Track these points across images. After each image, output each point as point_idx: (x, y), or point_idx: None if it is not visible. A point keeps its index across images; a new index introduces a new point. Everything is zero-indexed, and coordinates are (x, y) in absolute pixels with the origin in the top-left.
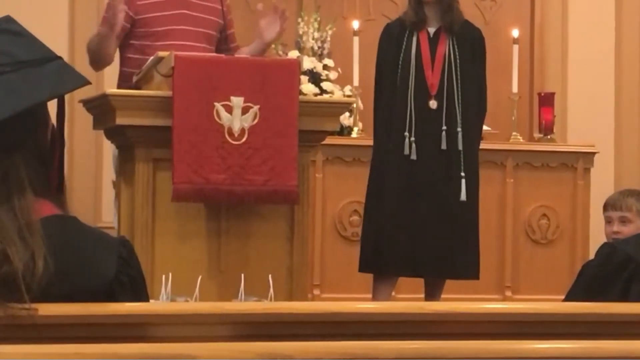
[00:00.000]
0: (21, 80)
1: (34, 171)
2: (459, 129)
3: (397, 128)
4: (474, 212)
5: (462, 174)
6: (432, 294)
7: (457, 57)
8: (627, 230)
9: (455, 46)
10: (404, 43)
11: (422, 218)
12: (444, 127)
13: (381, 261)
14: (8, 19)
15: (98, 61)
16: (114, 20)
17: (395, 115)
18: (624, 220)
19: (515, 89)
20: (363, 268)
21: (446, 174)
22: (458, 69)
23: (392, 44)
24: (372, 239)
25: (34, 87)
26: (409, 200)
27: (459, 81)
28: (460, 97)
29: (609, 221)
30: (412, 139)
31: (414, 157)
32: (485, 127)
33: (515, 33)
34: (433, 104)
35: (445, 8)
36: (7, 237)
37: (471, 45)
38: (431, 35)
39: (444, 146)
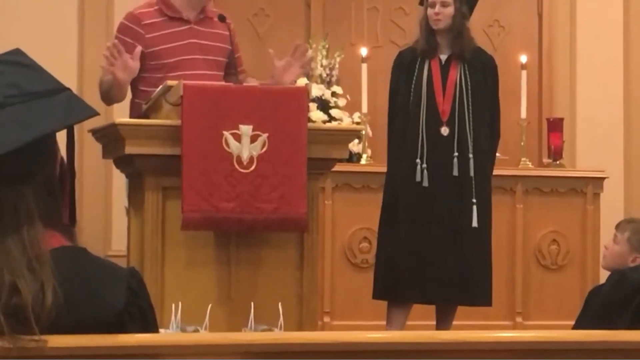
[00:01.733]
0: (29, 111)
1: (43, 203)
2: (471, 155)
3: (409, 155)
4: (486, 238)
5: (474, 200)
6: (443, 320)
7: (469, 83)
8: (612, 249)
9: (467, 73)
10: (416, 70)
11: (434, 245)
12: (456, 154)
13: (395, 288)
14: (17, 52)
15: (109, 101)
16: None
17: (407, 142)
18: (614, 240)
19: (524, 115)
20: (377, 295)
21: (458, 200)
22: (469, 95)
23: (403, 72)
24: (386, 266)
25: (42, 118)
26: (421, 227)
27: (471, 107)
28: (471, 124)
29: (614, 239)
30: (424, 165)
31: (425, 184)
32: None
33: (523, 59)
34: (445, 130)
35: (456, 35)
36: (17, 269)
37: (483, 72)
38: (443, 62)
39: (455, 172)
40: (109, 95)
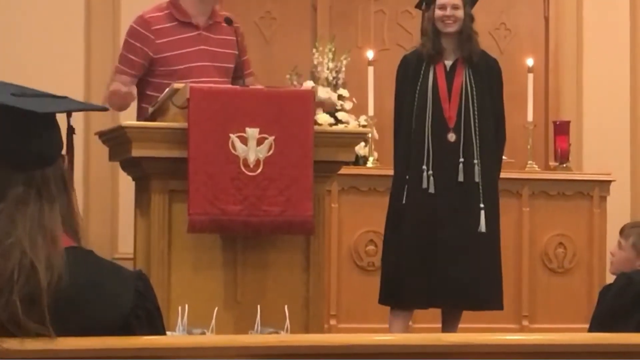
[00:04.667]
0: (46, 100)
1: (60, 193)
2: (476, 161)
3: (415, 161)
4: (495, 242)
5: (482, 205)
6: (449, 323)
7: (474, 88)
8: (619, 255)
9: (472, 78)
10: (421, 76)
11: (441, 250)
12: (461, 159)
13: (401, 295)
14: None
15: (117, 109)
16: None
17: (414, 149)
18: (620, 246)
19: (530, 118)
20: (384, 301)
21: (465, 206)
22: (475, 100)
23: (408, 77)
24: (392, 272)
25: (59, 103)
26: (428, 233)
27: (477, 113)
28: (477, 129)
29: (618, 245)
30: (430, 172)
31: (432, 190)
32: None
33: (529, 62)
34: (451, 136)
35: (466, 38)
36: (37, 255)
37: (488, 76)
38: (448, 67)
39: (460, 178)
40: (117, 107)
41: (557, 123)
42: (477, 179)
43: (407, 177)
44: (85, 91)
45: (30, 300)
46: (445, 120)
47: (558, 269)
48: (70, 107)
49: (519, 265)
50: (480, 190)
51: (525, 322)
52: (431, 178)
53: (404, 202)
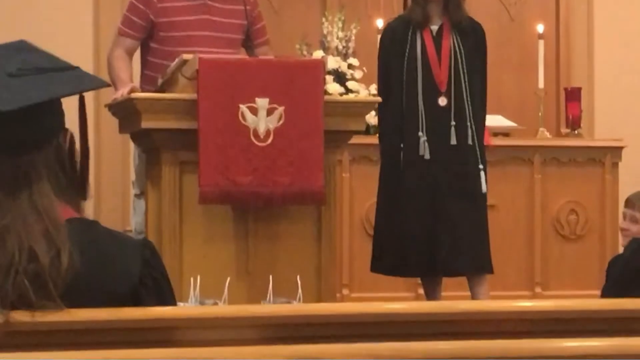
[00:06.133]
0: (42, 80)
1: (54, 174)
2: (469, 123)
3: (409, 128)
4: (485, 205)
5: (481, 166)
6: (475, 291)
7: (463, 52)
8: (636, 229)
9: (460, 41)
10: (408, 42)
11: (441, 216)
12: (453, 123)
13: (405, 264)
14: (23, 41)
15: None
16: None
17: (406, 116)
18: (634, 220)
19: (541, 85)
20: (377, 269)
21: (461, 169)
22: (464, 63)
23: (396, 44)
24: (387, 241)
25: (55, 85)
26: (427, 199)
27: (466, 76)
28: (468, 92)
29: (624, 216)
30: (425, 138)
31: (427, 156)
32: (511, 123)
33: (540, 28)
34: (443, 100)
35: (456, 3)
36: (33, 235)
37: (474, 40)
38: (434, 33)
39: (453, 141)
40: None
41: (569, 90)
42: (470, 142)
43: (402, 145)
44: (94, 58)
45: (37, 278)
46: (436, 85)
47: (570, 235)
48: (60, 92)
49: (531, 233)
50: (478, 152)
51: (537, 289)
52: (426, 144)
53: (400, 170)
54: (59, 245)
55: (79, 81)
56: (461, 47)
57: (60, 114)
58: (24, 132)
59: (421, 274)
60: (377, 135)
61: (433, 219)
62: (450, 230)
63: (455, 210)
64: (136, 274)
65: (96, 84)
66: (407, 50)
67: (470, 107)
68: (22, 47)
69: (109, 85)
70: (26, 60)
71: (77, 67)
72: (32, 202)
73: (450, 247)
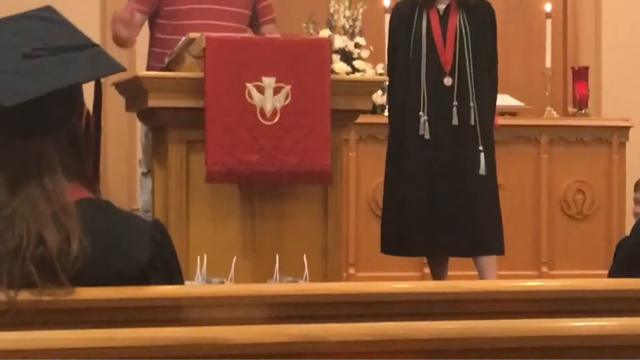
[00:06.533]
0: (56, 64)
1: (66, 156)
2: (472, 104)
3: (412, 107)
4: (493, 185)
5: (481, 147)
6: (480, 271)
7: (469, 31)
8: None
9: (466, 21)
10: (415, 21)
11: (441, 196)
12: (455, 103)
13: (402, 243)
14: (49, 8)
15: (120, 44)
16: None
17: (410, 95)
18: None
19: (548, 64)
20: (385, 249)
21: (462, 149)
22: (470, 43)
23: (402, 24)
24: (392, 220)
25: (67, 70)
26: (428, 180)
27: (471, 57)
28: (472, 73)
29: (636, 202)
30: (425, 118)
31: (427, 136)
32: (518, 103)
33: (547, 7)
34: (448, 80)
35: None
36: (42, 219)
37: (482, 19)
38: (441, 12)
39: (455, 122)
40: (119, 38)
41: (576, 69)
42: (472, 122)
43: (404, 124)
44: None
45: (45, 263)
46: (441, 64)
47: (577, 215)
48: (73, 79)
49: (538, 212)
50: (479, 133)
51: (544, 269)
52: (426, 124)
53: (402, 149)
54: (69, 230)
55: (95, 65)
56: (467, 26)
57: (77, 96)
58: (37, 117)
59: (421, 254)
60: (385, 114)
61: (432, 199)
62: (448, 211)
63: (453, 191)
64: (146, 255)
65: (114, 67)
66: (413, 30)
67: (474, 88)
68: (45, 17)
69: (125, 70)
70: (45, 37)
71: (97, 45)
72: (42, 186)
73: (449, 228)
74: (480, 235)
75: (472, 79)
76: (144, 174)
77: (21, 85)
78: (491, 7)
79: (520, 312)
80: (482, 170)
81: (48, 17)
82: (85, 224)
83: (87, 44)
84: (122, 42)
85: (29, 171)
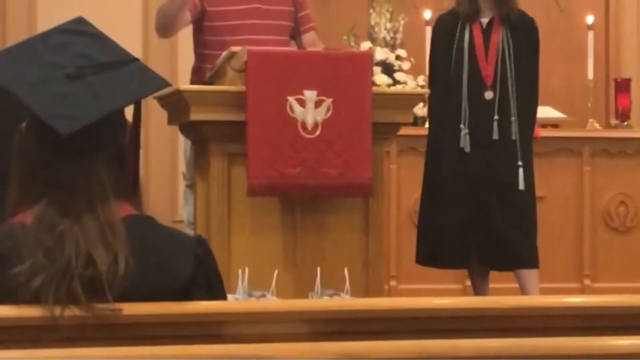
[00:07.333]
0: (102, 83)
1: (113, 173)
2: (513, 118)
3: (452, 121)
4: (531, 201)
5: (520, 162)
6: (521, 285)
7: (511, 46)
8: None
9: (509, 35)
10: (457, 35)
11: (478, 209)
12: (496, 117)
13: (439, 254)
14: (81, 21)
15: (164, 28)
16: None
17: (450, 108)
18: None
19: (590, 76)
20: (421, 260)
21: (502, 164)
22: (512, 58)
23: (445, 36)
24: (430, 232)
25: (115, 91)
26: (466, 193)
27: (513, 71)
28: (514, 87)
29: None
30: (466, 131)
31: (467, 149)
32: (560, 115)
33: (589, 19)
34: (489, 94)
35: None
36: (91, 240)
37: (525, 35)
38: (484, 25)
39: (495, 136)
40: (166, 21)
41: (618, 81)
42: (514, 137)
43: (445, 136)
44: (143, 55)
45: (92, 283)
46: (482, 78)
47: (620, 227)
48: (122, 100)
49: (581, 225)
50: (518, 148)
51: (586, 282)
52: (467, 137)
53: (441, 161)
54: (116, 249)
55: (142, 83)
56: (510, 41)
57: (122, 113)
58: (86, 137)
59: (455, 267)
60: (426, 126)
61: (470, 212)
62: (484, 224)
63: (491, 205)
64: (188, 272)
65: (159, 84)
66: (455, 43)
67: (515, 102)
68: (81, 31)
69: (170, 85)
70: (85, 53)
71: (137, 59)
72: (91, 205)
73: (484, 241)
74: (515, 249)
75: (514, 94)
76: (188, 187)
77: (74, 110)
78: (534, 22)
79: (561, 328)
80: (521, 185)
81: (83, 30)
82: (130, 241)
83: (127, 59)
84: (167, 24)
85: (79, 190)
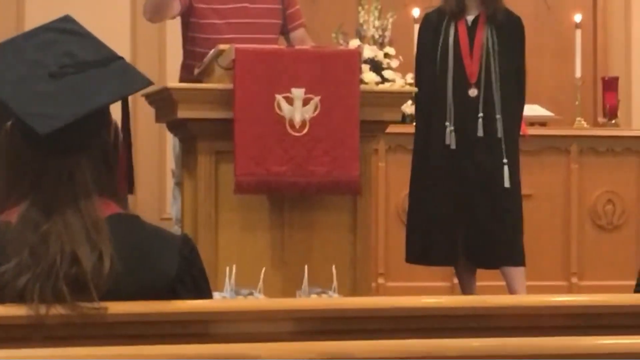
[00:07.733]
0: (84, 82)
1: (97, 171)
2: (498, 116)
3: (438, 117)
4: (517, 199)
5: (505, 160)
6: (508, 283)
7: (496, 43)
8: None
9: (494, 33)
10: (442, 32)
11: (465, 207)
12: (480, 114)
13: (427, 252)
14: (67, 19)
15: (152, 11)
16: None
17: (436, 105)
18: None
19: (578, 74)
20: (410, 259)
21: (487, 161)
22: (496, 56)
23: (431, 34)
24: (417, 230)
25: (97, 89)
26: (452, 190)
27: (498, 69)
28: (499, 85)
29: None
30: (452, 128)
31: (453, 146)
32: (548, 113)
33: (577, 18)
34: (473, 92)
35: None
36: (75, 238)
37: (510, 32)
38: (469, 23)
39: (480, 133)
40: (156, 4)
41: (606, 79)
42: (499, 135)
43: (430, 134)
44: (131, 54)
45: (77, 282)
46: (466, 76)
47: (607, 225)
48: (104, 99)
49: (568, 223)
50: (503, 146)
51: (574, 279)
52: (453, 134)
53: (427, 159)
54: (101, 248)
55: (124, 82)
56: (495, 38)
57: (107, 112)
58: (69, 136)
59: (443, 264)
60: (414, 123)
61: (456, 209)
62: (471, 221)
63: (477, 202)
64: (173, 270)
65: (142, 83)
66: (441, 40)
67: (500, 100)
68: (66, 29)
69: (152, 84)
70: (68, 51)
71: (121, 58)
72: (75, 203)
73: (471, 239)
74: (501, 247)
75: (498, 92)
76: (177, 184)
77: (54, 109)
78: (520, 21)
79: (548, 328)
80: (507, 183)
81: (69, 29)
82: (115, 240)
83: (111, 57)
84: (157, 6)
85: (63, 189)
